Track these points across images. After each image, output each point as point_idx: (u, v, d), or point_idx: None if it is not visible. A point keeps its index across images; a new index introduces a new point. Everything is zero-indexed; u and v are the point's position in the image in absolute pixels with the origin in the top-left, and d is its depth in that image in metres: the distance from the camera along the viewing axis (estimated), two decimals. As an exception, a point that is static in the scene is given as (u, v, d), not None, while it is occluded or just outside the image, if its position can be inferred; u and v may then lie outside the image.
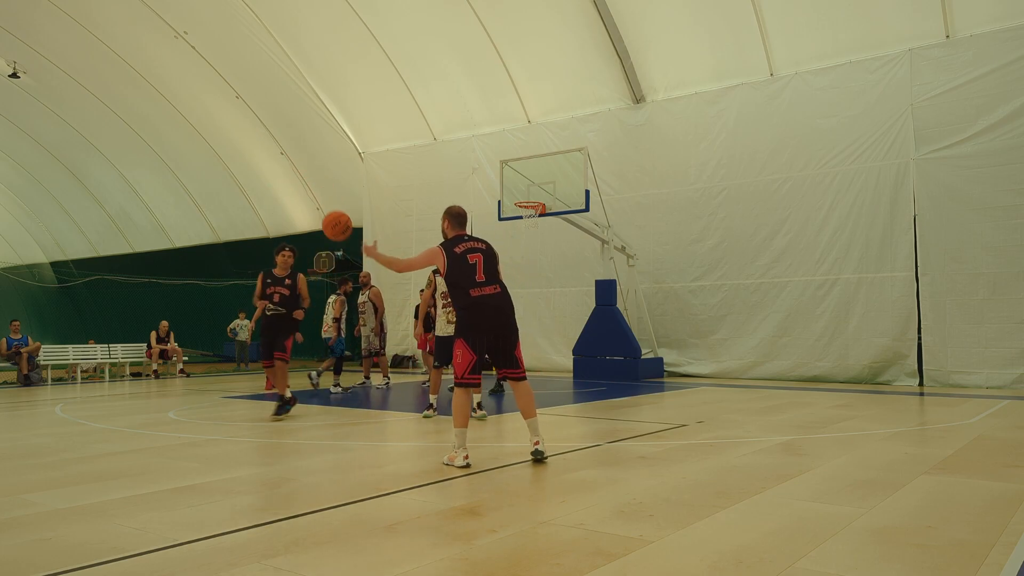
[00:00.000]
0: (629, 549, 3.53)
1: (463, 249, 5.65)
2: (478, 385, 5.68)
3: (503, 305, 5.67)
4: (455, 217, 5.88)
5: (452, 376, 5.84)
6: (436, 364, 8.80)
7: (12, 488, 4.99)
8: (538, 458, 5.63)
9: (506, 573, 3.23)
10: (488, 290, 5.60)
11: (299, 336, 9.15)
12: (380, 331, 13.00)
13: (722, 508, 4.29)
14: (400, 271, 5.84)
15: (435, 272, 9.21)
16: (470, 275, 5.58)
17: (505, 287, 5.80)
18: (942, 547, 3.57)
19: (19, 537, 3.82)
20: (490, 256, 5.74)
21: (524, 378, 5.77)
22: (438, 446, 6.66)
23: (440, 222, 6.04)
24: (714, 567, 3.29)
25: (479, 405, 8.46)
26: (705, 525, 3.95)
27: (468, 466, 5.43)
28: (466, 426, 5.53)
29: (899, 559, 3.40)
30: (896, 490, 4.72)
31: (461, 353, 5.57)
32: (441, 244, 5.70)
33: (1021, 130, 11.86)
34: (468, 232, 5.95)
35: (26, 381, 14.62)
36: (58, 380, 15.48)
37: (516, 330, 5.80)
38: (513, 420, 8.38)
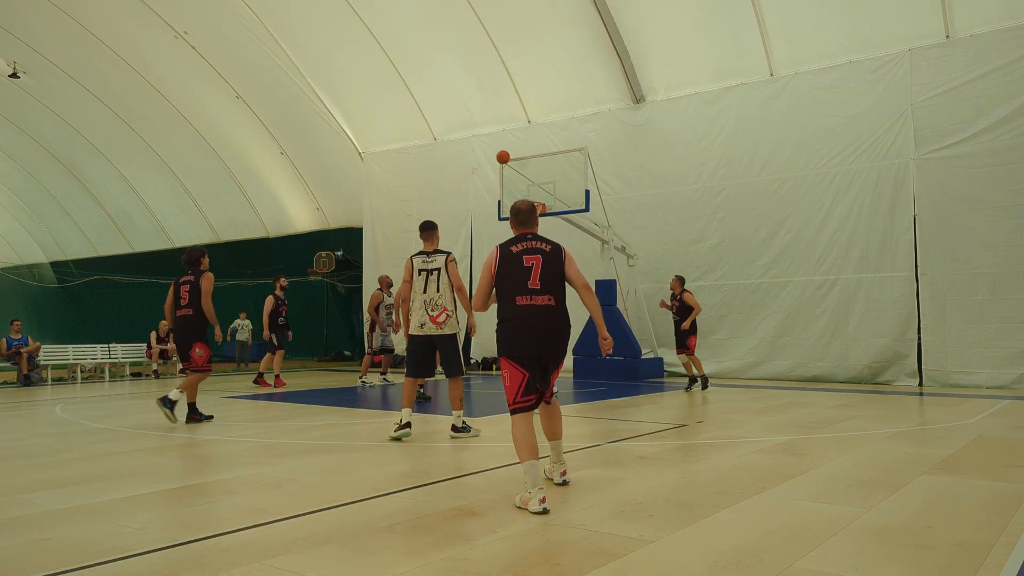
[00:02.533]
0: (629, 549, 3.53)
1: (520, 249, 4.74)
2: (534, 407, 4.67)
3: (554, 320, 4.66)
4: (517, 215, 4.93)
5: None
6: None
7: (12, 488, 4.99)
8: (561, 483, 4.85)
9: (506, 573, 3.23)
10: (540, 300, 4.62)
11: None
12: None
13: (722, 508, 4.29)
14: (482, 301, 4.90)
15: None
16: (521, 280, 4.65)
17: (564, 301, 4.75)
18: (942, 547, 3.57)
19: (19, 537, 3.82)
20: (554, 261, 4.71)
21: (550, 399, 4.96)
22: (438, 446, 6.67)
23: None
24: (714, 567, 3.29)
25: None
26: (705, 525, 3.95)
27: (546, 511, 4.21)
28: (536, 457, 4.41)
29: (899, 559, 3.40)
30: (896, 490, 4.72)
31: (509, 375, 4.62)
32: (499, 244, 4.87)
33: (1021, 130, 11.86)
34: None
35: (26, 381, 14.61)
36: (58, 380, 15.47)
37: (564, 353, 4.84)
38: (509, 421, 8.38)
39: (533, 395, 4.64)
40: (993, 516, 4.11)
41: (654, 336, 15.10)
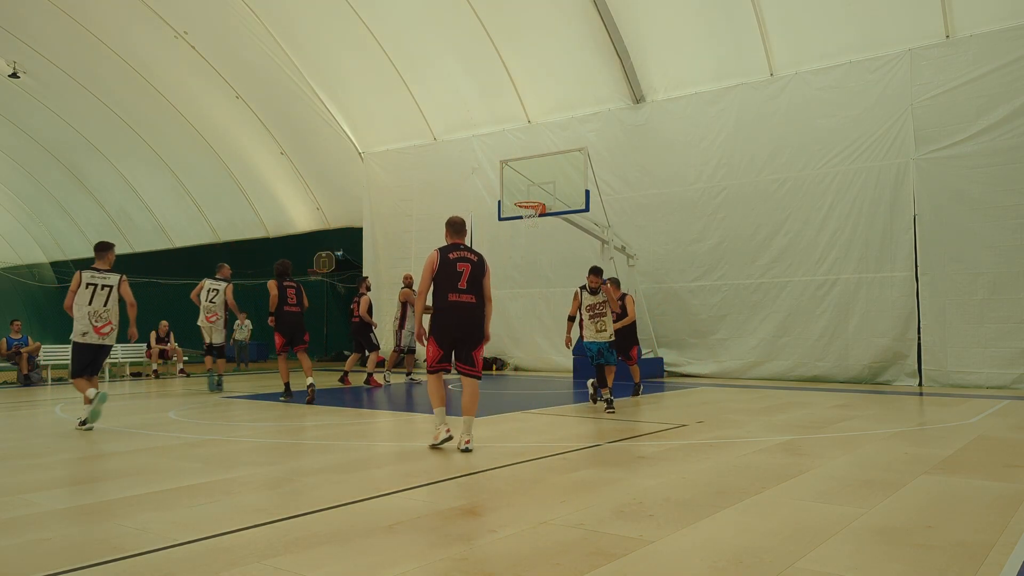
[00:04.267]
0: (629, 549, 3.53)
1: (455, 256, 6.29)
2: (447, 371, 6.45)
3: (473, 315, 6.32)
4: (452, 226, 6.51)
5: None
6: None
7: (12, 488, 4.99)
8: (465, 451, 6.13)
9: (506, 573, 3.23)
10: (465, 298, 6.26)
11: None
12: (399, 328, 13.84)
13: (722, 508, 4.29)
14: (425, 293, 6.40)
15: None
16: (454, 281, 6.22)
17: (483, 300, 6.40)
18: (942, 547, 3.57)
19: (19, 537, 3.82)
20: (478, 269, 6.33)
21: (478, 377, 6.37)
22: (438, 446, 6.66)
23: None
24: (714, 567, 3.29)
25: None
26: (705, 525, 3.95)
27: (450, 438, 6.20)
28: (443, 405, 6.41)
29: (899, 559, 3.40)
30: (896, 490, 4.72)
31: (431, 349, 6.33)
32: (438, 248, 6.36)
33: (1021, 130, 11.85)
34: (466, 242, 6.32)
35: (26, 381, 14.60)
36: (58, 380, 15.46)
37: (481, 337, 6.40)
38: (511, 420, 8.38)
39: (446, 363, 6.35)
40: (993, 516, 4.11)
41: (654, 336, 15.10)
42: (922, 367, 12.56)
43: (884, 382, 12.82)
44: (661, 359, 14.88)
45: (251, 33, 18.23)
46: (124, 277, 8.29)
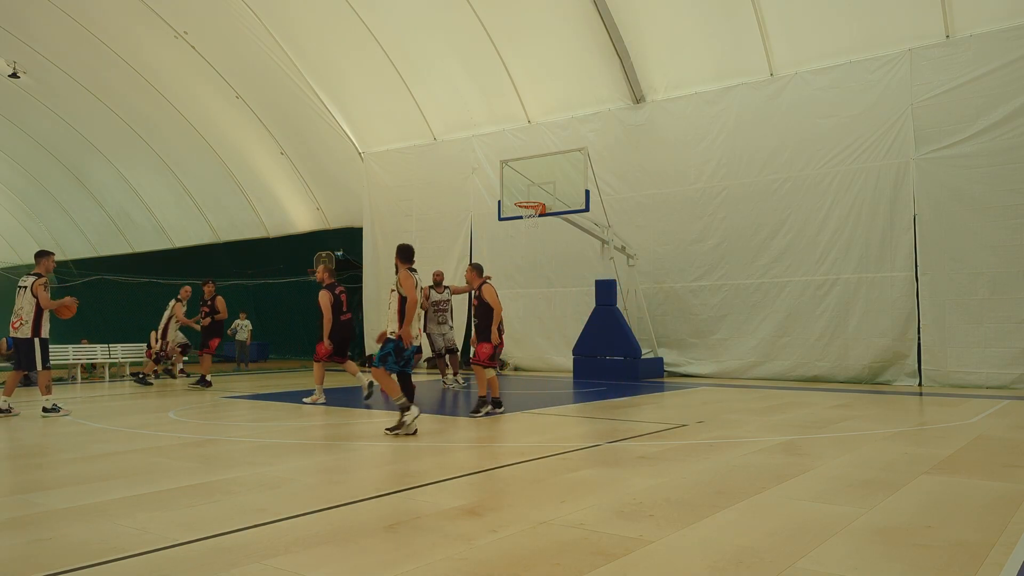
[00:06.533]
0: (629, 549, 3.53)
1: (339, 291, 10.26)
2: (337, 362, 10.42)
3: (351, 325, 10.40)
4: (333, 274, 10.51)
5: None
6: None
7: (12, 488, 4.99)
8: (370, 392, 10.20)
9: (506, 573, 3.23)
10: (347, 317, 10.35)
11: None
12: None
13: (722, 508, 4.29)
14: (330, 318, 10.21)
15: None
16: (340, 307, 10.13)
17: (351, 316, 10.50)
18: (942, 547, 3.58)
19: (19, 537, 3.83)
20: (350, 297, 10.13)
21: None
22: (438, 446, 6.67)
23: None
24: (714, 567, 3.29)
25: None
26: (705, 525, 3.95)
27: (324, 403, 10.03)
28: (322, 384, 10.42)
29: (899, 559, 3.40)
30: (896, 490, 4.72)
31: (326, 348, 10.16)
32: (326, 287, 10.24)
33: (1021, 130, 11.85)
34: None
35: (26, 381, 14.56)
36: (58, 380, 15.46)
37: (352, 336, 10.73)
38: (513, 420, 8.39)
39: (336, 357, 10.34)
40: (993, 516, 4.11)
41: (654, 336, 15.10)
42: (922, 367, 12.56)
43: (884, 382, 12.82)
44: (661, 359, 14.88)
45: (251, 33, 18.22)
46: (37, 281, 9.03)
